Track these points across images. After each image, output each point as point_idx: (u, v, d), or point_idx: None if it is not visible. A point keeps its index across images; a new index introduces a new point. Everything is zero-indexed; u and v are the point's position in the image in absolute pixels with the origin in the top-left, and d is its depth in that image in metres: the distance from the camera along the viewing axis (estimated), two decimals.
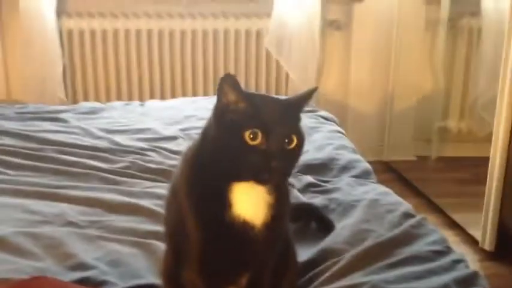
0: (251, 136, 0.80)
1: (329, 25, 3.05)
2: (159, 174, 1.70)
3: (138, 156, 1.82)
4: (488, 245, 2.21)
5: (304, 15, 2.87)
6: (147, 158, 1.81)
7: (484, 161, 2.31)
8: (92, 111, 2.33)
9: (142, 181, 1.66)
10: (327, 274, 1.14)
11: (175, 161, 1.78)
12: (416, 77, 3.10)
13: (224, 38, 2.98)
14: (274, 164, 0.80)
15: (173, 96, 2.96)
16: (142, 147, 1.89)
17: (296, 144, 0.84)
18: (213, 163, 0.85)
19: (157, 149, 1.89)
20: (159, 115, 2.28)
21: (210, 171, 0.86)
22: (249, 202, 0.87)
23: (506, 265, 2.15)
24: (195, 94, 2.99)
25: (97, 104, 2.47)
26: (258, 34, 3.01)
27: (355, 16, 3.05)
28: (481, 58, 2.94)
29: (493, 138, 2.22)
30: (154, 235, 1.31)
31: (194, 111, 2.31)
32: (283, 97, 0.97)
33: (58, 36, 2.80)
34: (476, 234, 2.29)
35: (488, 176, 2.26)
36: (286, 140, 0.83)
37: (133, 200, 1.50)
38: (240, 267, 0.93)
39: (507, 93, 2.13)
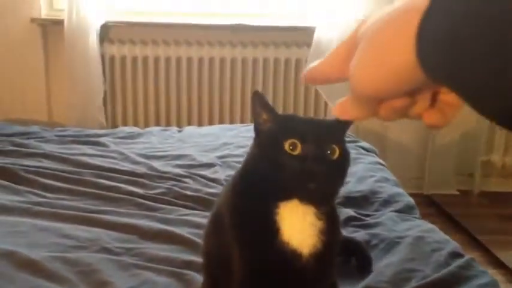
0: (291, 147, 0.78)
1: None
2: (196, 201, 1.68)
3: (175, 182, 1.81)
4: None
5: None
6: (184, 184, 1.79)
7: None
8: (131, 136, 2.34)
9: (178, 208, 1.64)
10: None
11: (212, 189, 1.75)
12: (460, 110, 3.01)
13: (263, 66, 2.98)
14: (315, 168, 0.77)
15: (210, 123, 2.96)
16: (179, 174, 1.88)
17: (339, 155, 0.80)
18: (256, 183, 0.83)
19: (193, 176, 1.87)
20: (196, 141, 2.28)
21: (254, 192, 0.83)
22: (297, 227, 0.82)
23: None
24: (232, 122, 2.98)
25: (135, 129, 2.49)
26: (297, 63, 2.99)
27: None
28: None
29: None
30: (190, 265, 1.28)
31: (232, 139, 2.29)
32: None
33: (100, 62, 2.85)
34: None
35: None
36: (329, 151, 0.79)
37: (169, 228, 1.47)
38: None
39: None
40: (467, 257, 1.29)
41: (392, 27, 0.41)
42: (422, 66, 0.39)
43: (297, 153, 0.78)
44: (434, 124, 0.46)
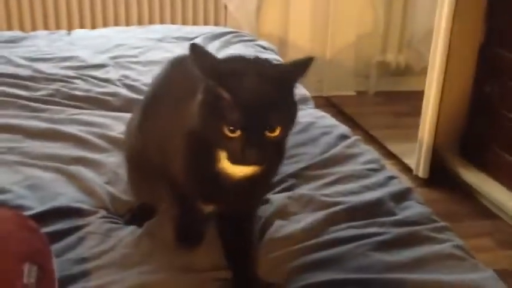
0: (229, 130, 0.79)
1: None
2: (86, 101, 1.61)
3: (63, 84, 1.71)
4: (422, 172, 2.28)
5: None
6: (73, 85, 1.70)
7: (421, 94, 2.34)
8: (13, 40, 2.15)
9: (67, 108, 1.56)
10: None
11: (103, 89, 1.69)
12: (356, 12, 3.05)
13: None
14: (251, 153, 0.80)
15: (105, 26, 2.79)
16: (68, 75, 1.77)
17: (280, 133, 0.81)
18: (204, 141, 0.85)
19: (84, 77, 1.77)
20: (87, 44, 2.14)
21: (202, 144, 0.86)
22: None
23: (438, 191, 2.24)
24: (128, 24, 2.83)
25: (19, 33, 2.29)
26: None
27: None
28: None
29: (428, 70, 2.26)
30: (78, 161, 1.24)
31: (125, 40, 2.17)
32: (270, 63, 0.89)
33: None
34: (411, 162, 2.36)
35: (423, 108, 2.30)
36: (268, 133, 0.80)
37: (57, 127, 1.41)
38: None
39: (443, 27, 2.14)
40: (353, 137, 1.34)
41: None
42: None
43: (236, 136, 0.79)
44: None
